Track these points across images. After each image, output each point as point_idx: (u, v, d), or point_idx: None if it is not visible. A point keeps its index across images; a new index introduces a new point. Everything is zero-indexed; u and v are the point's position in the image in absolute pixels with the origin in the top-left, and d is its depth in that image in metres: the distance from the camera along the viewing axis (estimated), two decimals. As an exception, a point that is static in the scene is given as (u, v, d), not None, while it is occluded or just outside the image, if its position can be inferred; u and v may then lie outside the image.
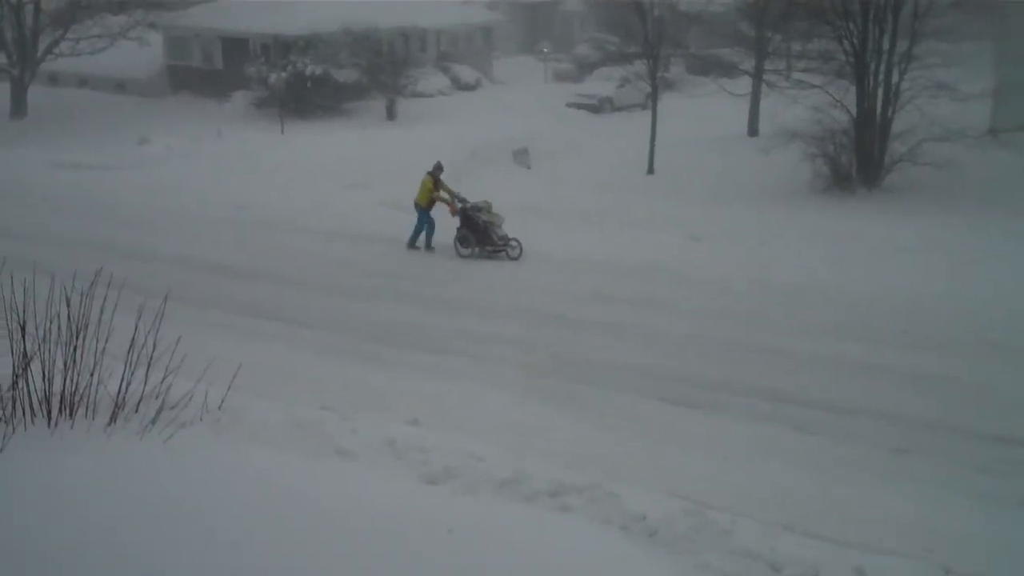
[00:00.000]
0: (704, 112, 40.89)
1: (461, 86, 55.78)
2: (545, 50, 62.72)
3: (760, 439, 13.10)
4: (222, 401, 11.22)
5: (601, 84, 48.86)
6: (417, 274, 21.61)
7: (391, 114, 47.04)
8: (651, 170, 31.95)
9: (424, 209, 23.50)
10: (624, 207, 27.27)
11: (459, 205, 23.27)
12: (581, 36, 70.77)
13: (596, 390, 14.83)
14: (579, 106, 47.42)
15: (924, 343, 16.78)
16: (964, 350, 16.44)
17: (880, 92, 28.59)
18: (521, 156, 34.03)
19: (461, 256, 22.96)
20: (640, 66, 34.95)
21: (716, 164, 30.96)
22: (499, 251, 22.81)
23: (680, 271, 21.10)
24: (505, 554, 8.46)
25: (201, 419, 10.91)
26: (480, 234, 22.88)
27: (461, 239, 23.11)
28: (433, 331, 17.65)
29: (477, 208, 23.11)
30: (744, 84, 37.19)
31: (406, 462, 10.66)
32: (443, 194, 23.59)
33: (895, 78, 28.30)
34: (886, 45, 28.40)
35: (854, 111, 28.62)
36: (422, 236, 23.48)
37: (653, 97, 33.66)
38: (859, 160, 28.57)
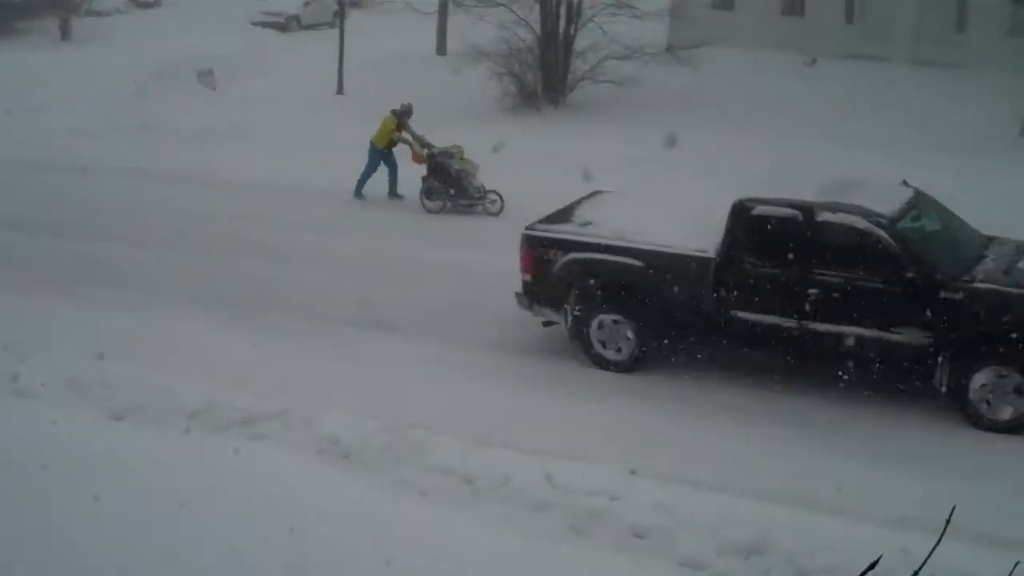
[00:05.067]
0: (393, 30, 40.64)
1: (140, 4, 53.49)
2: (228, -34, 60.78)
3: (444, 356, 13.20)
4: None
5: (287, 0, 47.79)
6: (103, 204, 20.63)
7: (66, 34, 44.63)
8: (341, 90, 31.59)
9: (380, 150, 20.84)
10: (313, 129, 26.91)
11: (424, 151, 20.48)
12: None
13: (285, 317, 14.61)
14: (264, 24, 46.16)
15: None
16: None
17: (563, 10, 29.15)
18: (206, 77, 32.98)
19: (428, 211, 20.12)
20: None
21: (406, 83, 30.77)
22: (475, 205, 20.05)
23: (366, 192, 21.02)
24: (192, 483, 8.30)
25: None
26: (453, 185, 20.02)
27: (427, 191, 20.20)
28: (117, 263, 16.90)
29: (448, 154, 20.20)
30: (431, 1, 37.14)
31: (89, 399, 10.29)
32: (406, 135, 20.84)
33: (577, -4, 28.94)
34: (568, -37, 29.00)
35: (538, 29, 29.08)
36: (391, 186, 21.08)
37: (340, 15, 33.23)
38: (544, 78, 29.13)
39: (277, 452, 9.34)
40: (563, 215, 13.53)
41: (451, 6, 34.99)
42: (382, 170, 21.07)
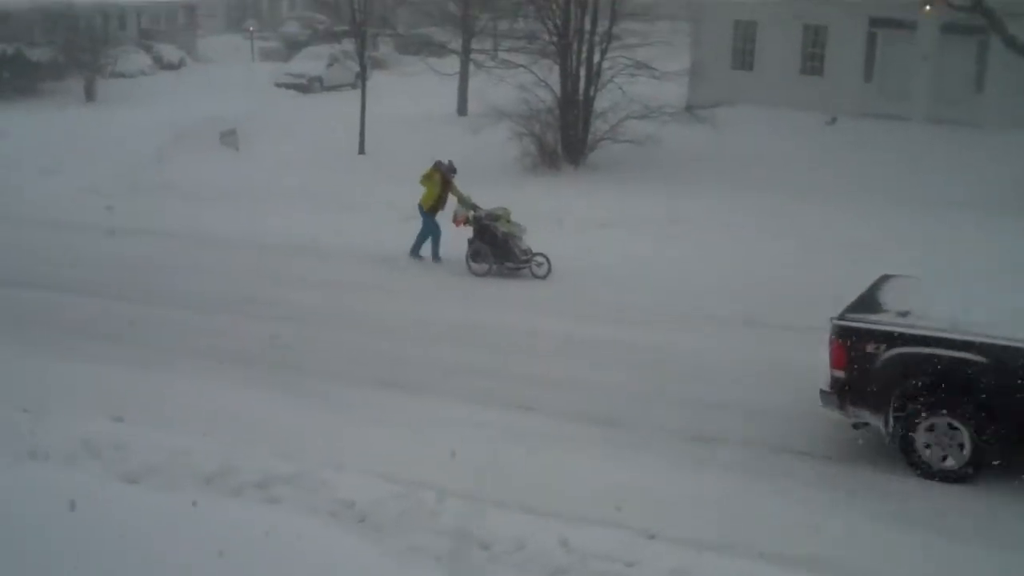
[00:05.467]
0: (414, 91, 40.96)
1: (164, 65, 54.21)
2: (251, 28, 61.56)
3: (474, 417, 13.07)
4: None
5: (310, 63, 48.23)
6: (117, 263, 20.71)
7: (90, 95, 45.17)
8: (362, 150, 31.78)
9: (426, 212, 20.72)
10: (335, 189, 27.04)
11: (471, 213, 20.28)
12: (289, 14, 69.90)
13: (307, 377, 14.53)
14: (288, 85, 46.62)
15: (631, 316, 17.25)
16: (655, 321, 16.96)
17: (583, 71, 29.32)
18: (229, 138, 33.23)
19: (474, 274, 19.91)
20: (349, 45, 34.73)
21: (427, 143, 30.96)
22: (521, 268, 19.83)
23: (390, 253, 21.02)
24: (206, 550, 8.22)
25: None
26: (498, 248, 19.81)
27: (474, 254, 19.98)
28: (132, 322, 16.84)
29: (494, 216, 19.95)
30: (452, 63, 37.43)
31: (102, 461, 10.23)
32: (455, 195, 20.72)
33: (597, 57, 29.08)
34: (588, 25, 29.18)
35: (558, 90, 29.24)
36: (427, 244, 20.89)
37: (362, 76, 33.49)
38: (564, 138, 29.26)
39: (290, 516, 9.25)
40: (869, 303, 12.09)
41: (472, 67, 35.26)
42: (416, 227, 20.94)
